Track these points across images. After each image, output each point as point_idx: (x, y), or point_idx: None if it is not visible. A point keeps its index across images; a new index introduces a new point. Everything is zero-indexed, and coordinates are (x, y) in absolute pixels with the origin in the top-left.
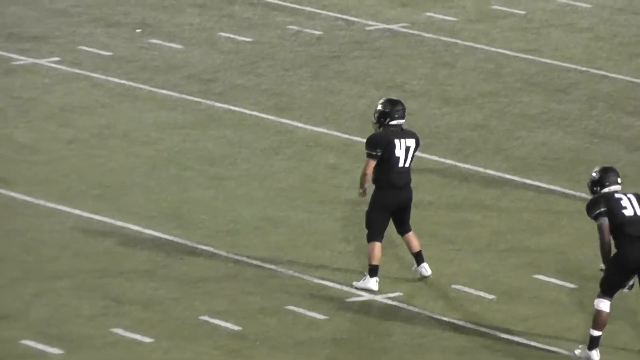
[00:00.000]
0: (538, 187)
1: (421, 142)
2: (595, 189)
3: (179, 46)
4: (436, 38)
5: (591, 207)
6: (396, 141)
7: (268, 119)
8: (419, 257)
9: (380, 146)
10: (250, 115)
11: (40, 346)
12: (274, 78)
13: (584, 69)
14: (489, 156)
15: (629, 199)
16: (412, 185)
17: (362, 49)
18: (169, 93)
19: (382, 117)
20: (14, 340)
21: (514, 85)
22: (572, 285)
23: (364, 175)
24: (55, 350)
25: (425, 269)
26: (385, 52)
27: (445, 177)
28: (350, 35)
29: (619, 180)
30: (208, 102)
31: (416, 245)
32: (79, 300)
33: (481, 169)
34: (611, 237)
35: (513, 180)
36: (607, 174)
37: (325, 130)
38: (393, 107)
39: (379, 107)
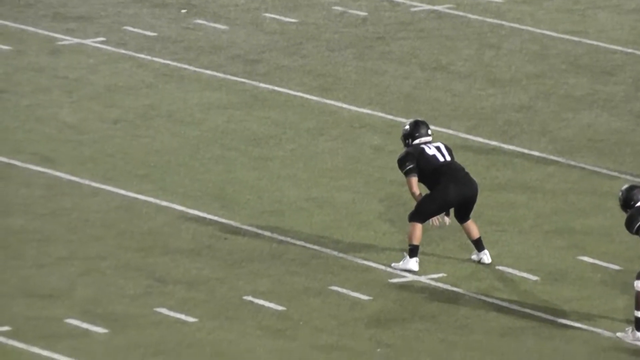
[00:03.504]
0: (583, 168)
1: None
2: (628, 209)
3: (224, 27)
4: (482, 19)
5: (630, 224)
6: (423, 146)
7: (313, 99)
8: (479, 245)
9: (409, 158)
10: (295, 96)
11: (85, 325)
12: (318, 59)
13: (629, 50)
14: (534, 138)
15: None
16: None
17: (407, 30)
18: (213, 73)
19: (409, 137)
20: (59, 319)
21: (560, 66)
22: (616, 267)
23: (413, 196)
24: (100, 329)
25: (487, 256)
26: (431, 33)
27: (490, 159)
28: (396, 16)
29: None
30: (253, 82)
31: (475, 232)
32: (123, 280)
33: (526, 151)
34: None
35: (558, 162)
36: (632, 192)
37: (370, 111)
38: (416, 126)
39: (404, 128)
